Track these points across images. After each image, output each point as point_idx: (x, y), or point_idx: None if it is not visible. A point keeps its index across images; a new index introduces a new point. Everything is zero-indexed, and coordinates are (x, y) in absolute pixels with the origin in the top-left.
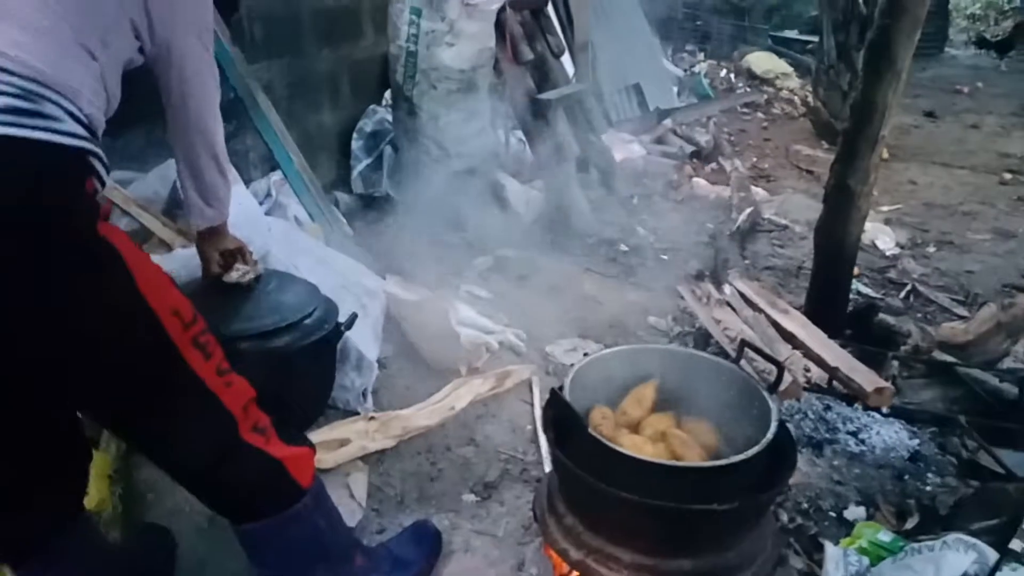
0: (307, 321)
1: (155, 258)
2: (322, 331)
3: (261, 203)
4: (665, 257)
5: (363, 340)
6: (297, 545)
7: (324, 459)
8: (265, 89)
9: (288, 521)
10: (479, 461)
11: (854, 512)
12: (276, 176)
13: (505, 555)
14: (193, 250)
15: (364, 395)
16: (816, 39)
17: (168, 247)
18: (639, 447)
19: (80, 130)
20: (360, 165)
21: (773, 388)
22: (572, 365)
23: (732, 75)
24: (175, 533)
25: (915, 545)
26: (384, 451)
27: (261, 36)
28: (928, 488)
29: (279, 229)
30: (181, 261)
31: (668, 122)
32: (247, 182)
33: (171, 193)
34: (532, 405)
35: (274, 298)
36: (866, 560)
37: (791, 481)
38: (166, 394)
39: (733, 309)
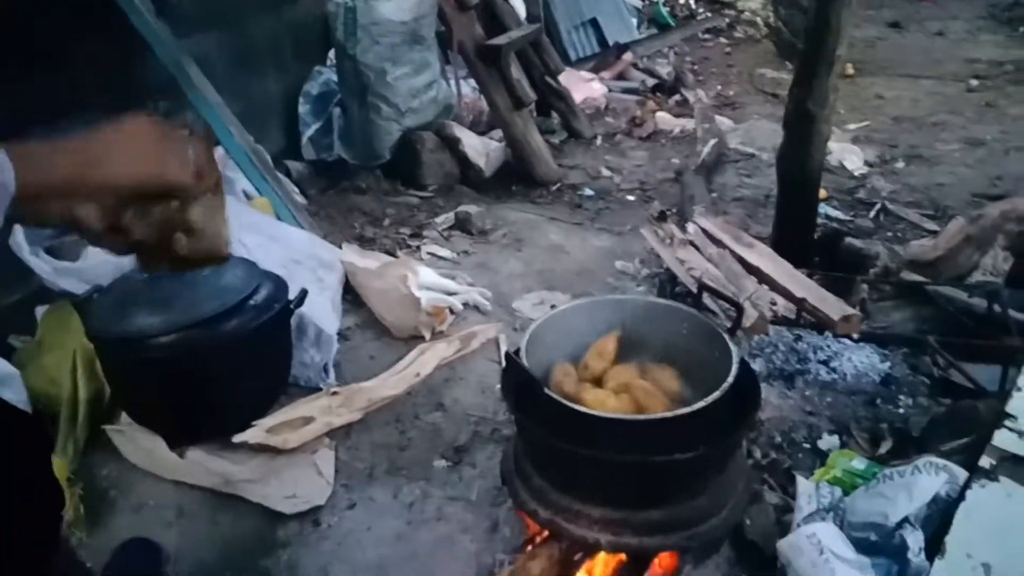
0: (252, 302)
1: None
2: (271, 311)
3: None
4: (631, 198)
5: (320, 314)
6: None
7: (289, 439)
8: (202, 62)
9: None
10: (449, 426)
11: (828, 442)
12: (220, 151)
13: (479, 519)
14: None
15: (326, 370)
16: None
17: None
18: (602, 401)
19: None
20: (309, 130)
21: (734, 328)
22: (532, 322)
23: (692, 1)
24: (143, 527)
25: (887, 471)
26: (351, 425)
27: (192, 7)
28: (901, 411)
29: None
30: None
31: (628, 56)
32: None
33: None
34: (500, 364)
35: (212, 282)
36: (839, 491)
37: (764, 417)
38: None
39: (697, 248)
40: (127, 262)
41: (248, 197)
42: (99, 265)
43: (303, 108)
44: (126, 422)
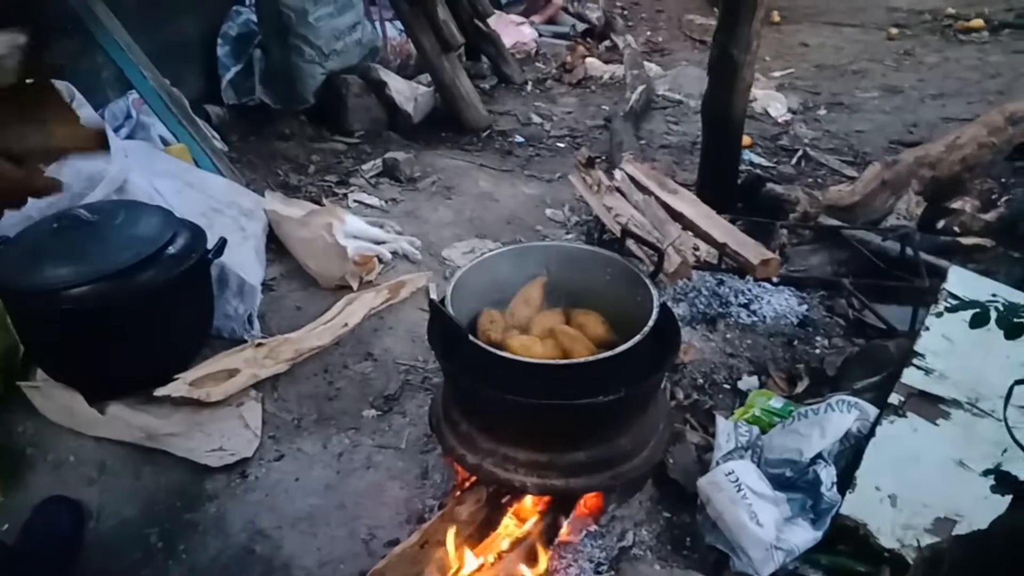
0: (170, 251)
1: None
2: (188, 261)
3: (121, 126)
4: (561, 145)
5: (243, 264)
6: None
7: (212, 391)
8: (111, 1)
9: None
10: (378, 375)
11: (747, 382)
12: (135, 95)
13: (409, 465)
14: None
15: (250, 321)
16: None
17: None
18: (528, 347)
19: None
20: (229, 73)
21: (655, 273)
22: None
23: None
24: (63, 485)
25: (802, 410)
26: (278, 376)
27: None
28: (817, 351)
29: (137, 153)
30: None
31: (559, 0)
32: (103, 104)
33: None
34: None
35: (126, 232)
36: (756, 429)
37: (686, 359)
38: None
39: (623, 194)
40: (35, 211)
41: (165, 143)
42: (4, 215)
43: (222, 50)
44: (42, 378)
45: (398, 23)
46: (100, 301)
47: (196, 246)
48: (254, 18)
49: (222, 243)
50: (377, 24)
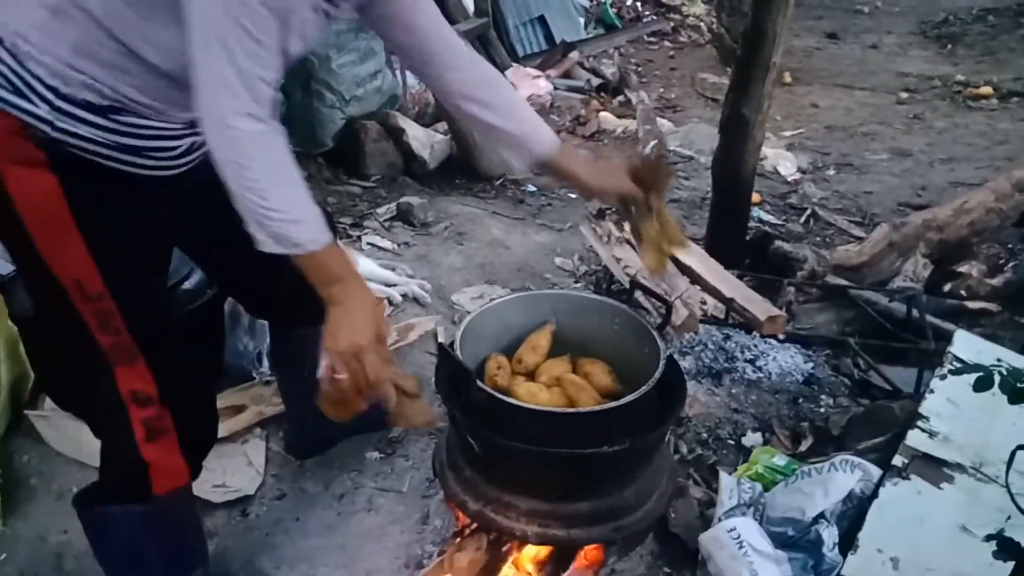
0: (185, 287)
1: None
2: (203, 297)
3: None
4: (573, 196)
5: None
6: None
7: (219, 427)
8: None
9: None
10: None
11: (751, 439)
12: None
13: (410, 510)
14: None
15: (259, 359)
16: None
17: None
18: (534, 395)
19: None
20: None
21: (663, 325)
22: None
23: (639, 3)
24: (65, 516)
25: (805, 468)
26: (283, 414)
27: None
28: (821, 410)
29: None
30: None
31: (575, 55)
32: None
33: None
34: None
35: None
36: (759, 487)
37: (691, 413)
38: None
39: (633, 246)
40: None
41: None
42: None
43: None
44: (50, 408)
45: None
46: None
47: (210, 282)
48: None
49: None
50: (398, 72)
